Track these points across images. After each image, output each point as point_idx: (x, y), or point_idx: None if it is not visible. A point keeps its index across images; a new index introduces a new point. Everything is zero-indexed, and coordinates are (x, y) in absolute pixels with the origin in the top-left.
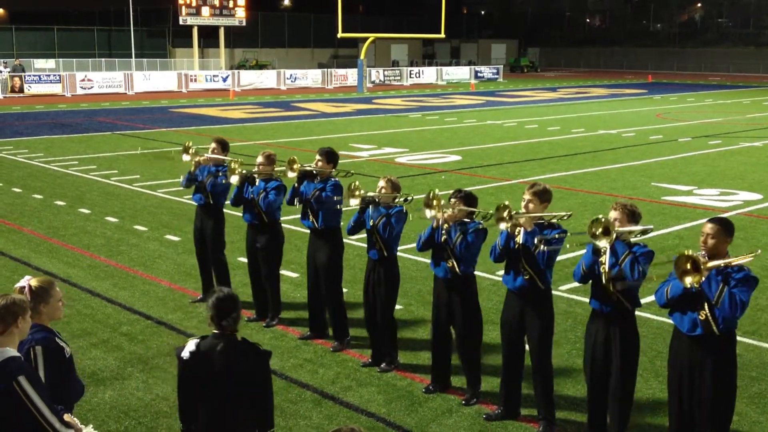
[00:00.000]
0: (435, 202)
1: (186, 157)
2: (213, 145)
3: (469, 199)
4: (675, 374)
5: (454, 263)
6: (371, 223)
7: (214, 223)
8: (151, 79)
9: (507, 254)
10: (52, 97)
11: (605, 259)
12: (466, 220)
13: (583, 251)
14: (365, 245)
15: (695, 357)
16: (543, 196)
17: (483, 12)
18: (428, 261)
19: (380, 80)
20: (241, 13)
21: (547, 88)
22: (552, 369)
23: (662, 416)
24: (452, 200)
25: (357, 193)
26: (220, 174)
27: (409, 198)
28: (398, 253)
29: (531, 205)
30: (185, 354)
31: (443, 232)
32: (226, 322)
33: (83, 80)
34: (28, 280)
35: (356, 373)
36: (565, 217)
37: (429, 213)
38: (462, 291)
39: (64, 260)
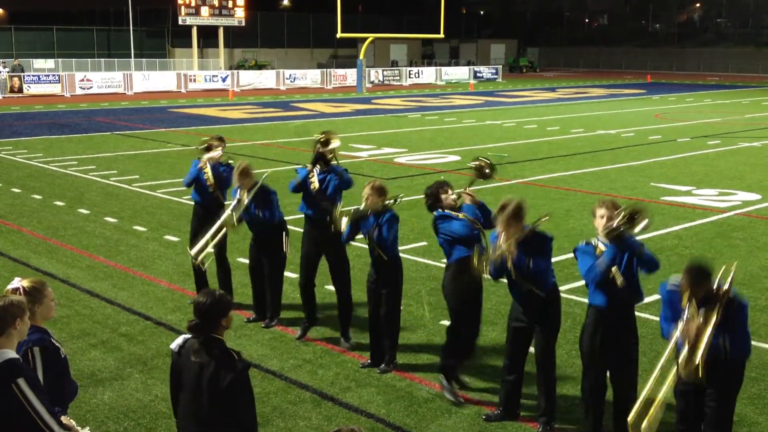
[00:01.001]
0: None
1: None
2: (220, 151)
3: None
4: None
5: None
6: (366, 232)
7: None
8: (151, 79)
9: (502, 275)
10: (51, 98)
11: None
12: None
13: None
14: (364, 245)
15: None
16: (517, 216)
17: (482, 12)
18: (428, 261)
19: (379, 80)
20: (240, 13)
21: (546, 88)
22: (555, 371)
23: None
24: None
25: (342, 214)
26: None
27: (398, 199)
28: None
29: (511, 230)
30: (174, 346)
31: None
32: (209, 324)
33: (82, 80)
34: (20, 282)
35: (355, 374)
36: (545, 219)
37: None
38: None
39: (63, 261)
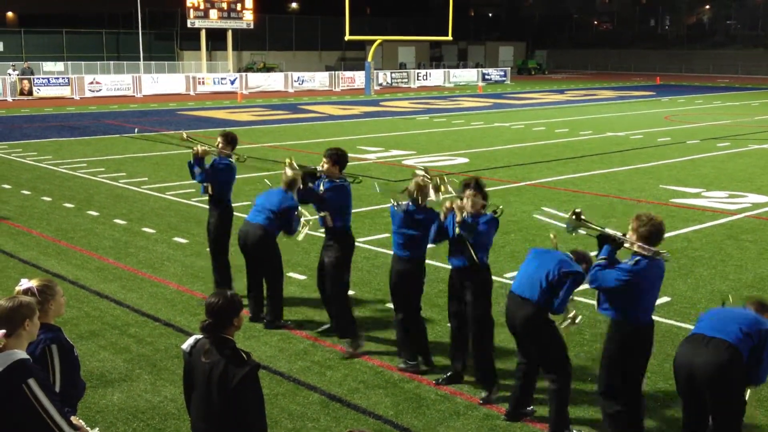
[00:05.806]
0: (442, 188)
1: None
2: (219, 139)
3: (482, 190)
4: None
5: (473, 252)
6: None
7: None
8: (159, 82)
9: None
10: (61, 100)
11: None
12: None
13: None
14: (372, 247)
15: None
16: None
17: (490, 14)
18: (435, 263)
19: (387, 82)
20: (248, 16)
21: (554, 90)
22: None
23: (669, 418)
24: (467, 192)
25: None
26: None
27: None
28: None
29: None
30: (185, 346)
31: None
32: (220, 324)
33: (91, 83)
34: (29, 282)
35: (364, 376)
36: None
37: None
38: (475, 279)
39: (72, 262)
